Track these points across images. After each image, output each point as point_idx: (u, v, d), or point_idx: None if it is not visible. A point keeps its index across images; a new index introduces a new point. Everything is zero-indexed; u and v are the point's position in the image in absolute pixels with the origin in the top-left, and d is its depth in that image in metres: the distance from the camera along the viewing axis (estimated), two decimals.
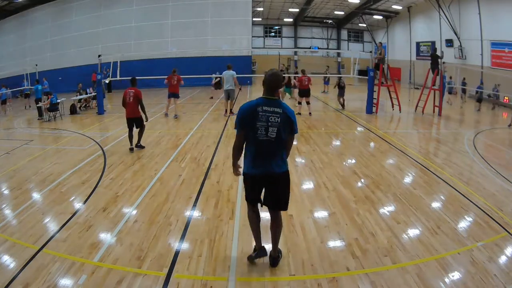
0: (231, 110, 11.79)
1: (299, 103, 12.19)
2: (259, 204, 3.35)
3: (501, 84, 15.72)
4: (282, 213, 3.45)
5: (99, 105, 13.20)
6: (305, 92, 12.05)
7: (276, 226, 3.37)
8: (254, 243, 3.53)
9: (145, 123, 7.78)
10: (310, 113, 12.02)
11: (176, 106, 12.20)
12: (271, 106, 3.04)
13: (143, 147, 7.82)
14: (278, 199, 3.26)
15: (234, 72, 11.37)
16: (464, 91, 16.93)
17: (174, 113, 12.02)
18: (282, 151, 3.20)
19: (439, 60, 12.86)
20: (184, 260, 3.53)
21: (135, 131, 7.74)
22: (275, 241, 3.40)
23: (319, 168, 6.44)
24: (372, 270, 3.35)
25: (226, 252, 3.68)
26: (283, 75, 17.75)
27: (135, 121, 7.62)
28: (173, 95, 11.87)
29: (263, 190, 3.29)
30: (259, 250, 3.43)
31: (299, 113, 11.95)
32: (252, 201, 3.35)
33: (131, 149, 7.64)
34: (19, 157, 7.50)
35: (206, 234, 4.04)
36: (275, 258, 3.41)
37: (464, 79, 17.69)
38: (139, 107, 7.49)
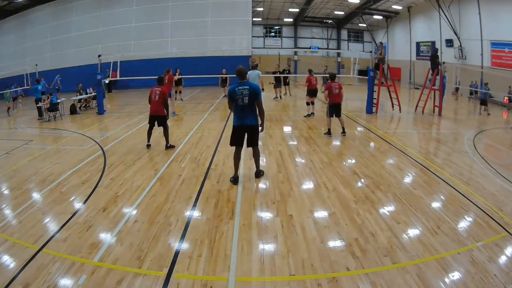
0: None
1: (308, 103, 12.05)
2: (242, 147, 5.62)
3: (501, 84, 15.72)
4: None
5: (99, 105, 13.19)
6: (314, 92, 12.06)
7: (255, 155, 5.71)
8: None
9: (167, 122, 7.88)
10: (312, 113, 12.01)
11: (170, 104, 12.21)
12: (242, 86, 5.29)
13: (173, 147, 7.77)
14: (252, 140, 5.52)
15: (259, 72, 11.33)
16: (457, 89, 17.14)
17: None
18: (252, 111, 5.36)
19: (438, 60, 12.93)
20: (184, 260, 3.53)
21: (155, 129, 7.87)
22: (257, 164, 5.81)
23: (319, 168, 6.44)
24: (372, 270, 3.35)
25: (226, 252, 3.67)
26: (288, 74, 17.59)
27: (158, 119, 7.63)
28: None
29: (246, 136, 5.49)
30: (236, 177, 5.63)
31: (309, 114, 11.90)
32: (235, 144, 5.51)
33: (148, 146, 7.83)
34: (19, 157, 7.50)
35: (206, 234, 4.04)
36: (258, 173, 5.82)
37: (456, 77, 17.90)
38: (163, 105, 7.57)
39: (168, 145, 7.75)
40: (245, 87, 5.24)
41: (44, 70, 19.69)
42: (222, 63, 17.75)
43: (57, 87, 17.98)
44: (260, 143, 7.74)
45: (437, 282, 3.17)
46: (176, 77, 14.36)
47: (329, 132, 8.99)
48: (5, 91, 14.71)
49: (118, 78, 13.64)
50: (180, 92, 16.09)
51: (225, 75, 16.10)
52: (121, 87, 21.98)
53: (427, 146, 8.63)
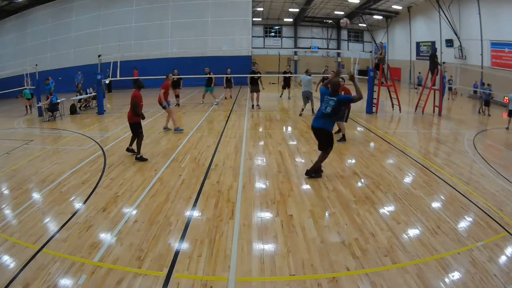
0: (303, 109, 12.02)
1: None
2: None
3: (501, 84, 15.72)
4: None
5: (99, 105, 13.19)
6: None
7: (320, 156, 5.79)
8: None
9: (142, 125, 7.17)
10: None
11: (168, 117, 9.66)
12: (332, 97, 5.53)
13: (143, 160, 6.90)
14: (320, 143, 5.76)
15: (311, 78, 11.97)
16: (450, 89, 17.36)
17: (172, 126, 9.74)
18: (328, 118, 5.56)
19: (436, 59, 12.99)
20: (184, 260, 3.53)
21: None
22: (314, 164, 5.84)
23: None
24: (372, 270, 3.35)
25: (226, 252, 3.68)
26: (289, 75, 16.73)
27: (130, 126, 7.13)
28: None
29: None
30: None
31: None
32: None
33: (127, 149, 7.44)
34: (19, 157, 7.50)
35: (206, 234, 4.05)
36: (308, 171, 5.81)
37: (451, 76, 18.11)
38: (133, 110, 6.93)
39: (138, 156, 6.92)
40: (334, 98, 5.49)
41: (44, 70, 19.68)
42: (222, 63, 17.74)
43: (78, 83, 17.95)
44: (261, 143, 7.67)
45: (437, 282, 3.17)
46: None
47: (343, 138, 8.37)
48: (26, 88, 14.63)
49: (118, 78, 13.61)
50: (177, 96, 14.20)
51: (230, 75, 15.54)
52: (121, 87, 21.96)
53: (427, 146, 8.63)
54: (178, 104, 14.23)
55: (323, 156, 5.74)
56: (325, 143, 5.67)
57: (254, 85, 13.36)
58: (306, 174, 5.83)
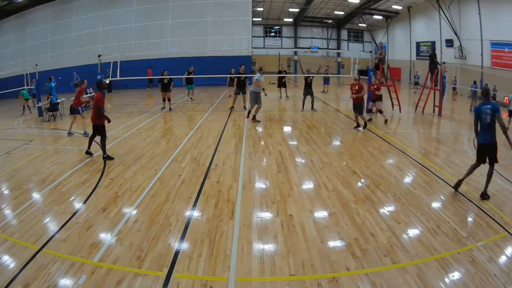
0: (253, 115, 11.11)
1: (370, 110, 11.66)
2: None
3: (501, 84, 15.72)
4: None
5: None
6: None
7: (488, 173, 5.21)
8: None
9: (108, 124, 7.29)
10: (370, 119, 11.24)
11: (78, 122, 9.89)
12: (485, 105, 5.27)
13: (111, 158, 7.05)
14: (491, 159, 5.26)
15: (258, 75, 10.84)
16: (454, 89, 17.48)
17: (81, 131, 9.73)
18: (493, 130, 5.26)
19: (435, 60, 12.99)
20: (184, 260, 3.53)
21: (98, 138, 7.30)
22: (486, 184, 5.17)
23: (319, 168, 6.44)
24: (372, 270, 3.35)
25: (226, 252, 3.68)
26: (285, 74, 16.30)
27: (93, 128, 7.23)
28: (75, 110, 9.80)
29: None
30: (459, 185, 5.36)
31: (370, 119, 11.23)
32: (480, 162, 5.37)
33: (86, 152, 7.37)
34: (19, 157, 7.49)
35: (206, 234, 4.05)
36: (483, 194, 5.11)
37: (454, 77, 18.25)
38: (98, 113, 7.07)
39: (105, 155, 7.07)
40: (488, 106, 5.23)
41: (44, 70, 19.68)
42: (222, 63, 17.72)
43: (73, 83, 17.91)
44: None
45: (437, 282, 3.17)
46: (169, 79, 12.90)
47: (365, 125, 9.88)
48: (23, 88, 14.51)
49: (118, 78, 13.60)
50: (169, 99, 13.29)
51: (234, 75, 15.27)
52: (121, 87, 21.97)
53: (427, 146, 8.62)
54: (170, 108, 13.34)
55: (492, 171, 5.25)
56: (495, 156, 5.29)
57: (241, 87, 12.98)
58: (481, 197, 5.15)
